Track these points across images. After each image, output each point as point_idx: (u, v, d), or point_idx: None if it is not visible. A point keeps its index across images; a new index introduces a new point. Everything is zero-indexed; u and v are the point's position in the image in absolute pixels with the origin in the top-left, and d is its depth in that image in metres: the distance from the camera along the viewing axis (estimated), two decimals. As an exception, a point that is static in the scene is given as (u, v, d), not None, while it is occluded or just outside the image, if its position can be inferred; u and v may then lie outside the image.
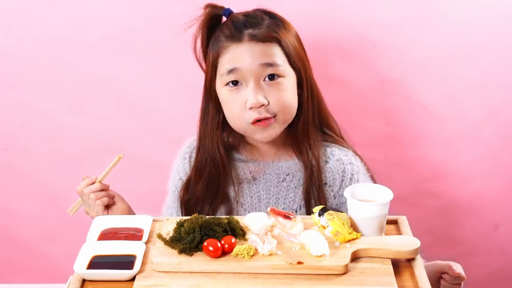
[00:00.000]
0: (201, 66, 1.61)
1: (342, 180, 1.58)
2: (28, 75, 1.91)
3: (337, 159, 1.59)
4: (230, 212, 1.58)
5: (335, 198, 1.58)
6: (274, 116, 1.51)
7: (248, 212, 1.56)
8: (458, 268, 1.45)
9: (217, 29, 1.55)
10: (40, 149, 1.96)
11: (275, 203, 1.58)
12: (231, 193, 1.59)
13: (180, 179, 1.63)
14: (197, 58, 1.60)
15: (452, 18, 1.83)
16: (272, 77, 1.49)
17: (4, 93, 1.93)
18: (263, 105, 1.49)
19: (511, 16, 1.83)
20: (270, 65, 1.48)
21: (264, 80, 1.49)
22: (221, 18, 1.57)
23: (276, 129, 1.53)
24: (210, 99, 1.57)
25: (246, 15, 1.53)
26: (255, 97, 1.48)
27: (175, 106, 1.92)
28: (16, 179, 1.99)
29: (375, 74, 1.88)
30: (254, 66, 1.48)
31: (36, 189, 2.00)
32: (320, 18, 1.81)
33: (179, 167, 1.65)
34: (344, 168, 1.58)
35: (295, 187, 1.59)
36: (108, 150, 1.89)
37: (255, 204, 1.58)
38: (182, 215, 1.61)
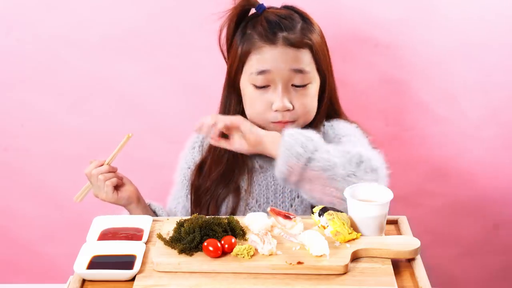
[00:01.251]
0: (224, 56, 1.61)
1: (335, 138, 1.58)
2: (28, 75, 1.91)
3: (330, 125, 1.60)
4: (238, 201, 1.59)
5: None
6: (295, 120, 1.54)
7: (256, 200, 1.58)
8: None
9: (246, 22, 1.55)
10: (40, 149, 1.96)
11: (281, 191, 1.58)
12: (242, 183, 1.60)
13: (189, 168, 1.64)
14: (220, 47, 1.60)
15: (453, 17, 1.83)
16: (300, 83, 1.51)
17: (4, 93, 1.93)
18: (288, 109, 1.51)
19: (511, 16, 1.83)
20: (300, 71, 1.51)
21: (292, 84, 1.51)
22: (248, 11, 1.57)
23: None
24: (233, 91, 1.58)
25: (280, 15, 1.54)
26: (282, 101, 1.51)
27: (175, 106, 1.92)
28: (16, 179, 1.99)
29: (375, 74, 1.88)
30: (285, 70, 1.50)
31: (36, 189, 2.00)
32: (320, 17, 1.81)
33: (187, 156, 1.66)
34: (336, 132, 1.58)
35: None
36: (108, 150, 1.89)
37: (263, 192, 1.59)
38: (191, 202, 1.62)
